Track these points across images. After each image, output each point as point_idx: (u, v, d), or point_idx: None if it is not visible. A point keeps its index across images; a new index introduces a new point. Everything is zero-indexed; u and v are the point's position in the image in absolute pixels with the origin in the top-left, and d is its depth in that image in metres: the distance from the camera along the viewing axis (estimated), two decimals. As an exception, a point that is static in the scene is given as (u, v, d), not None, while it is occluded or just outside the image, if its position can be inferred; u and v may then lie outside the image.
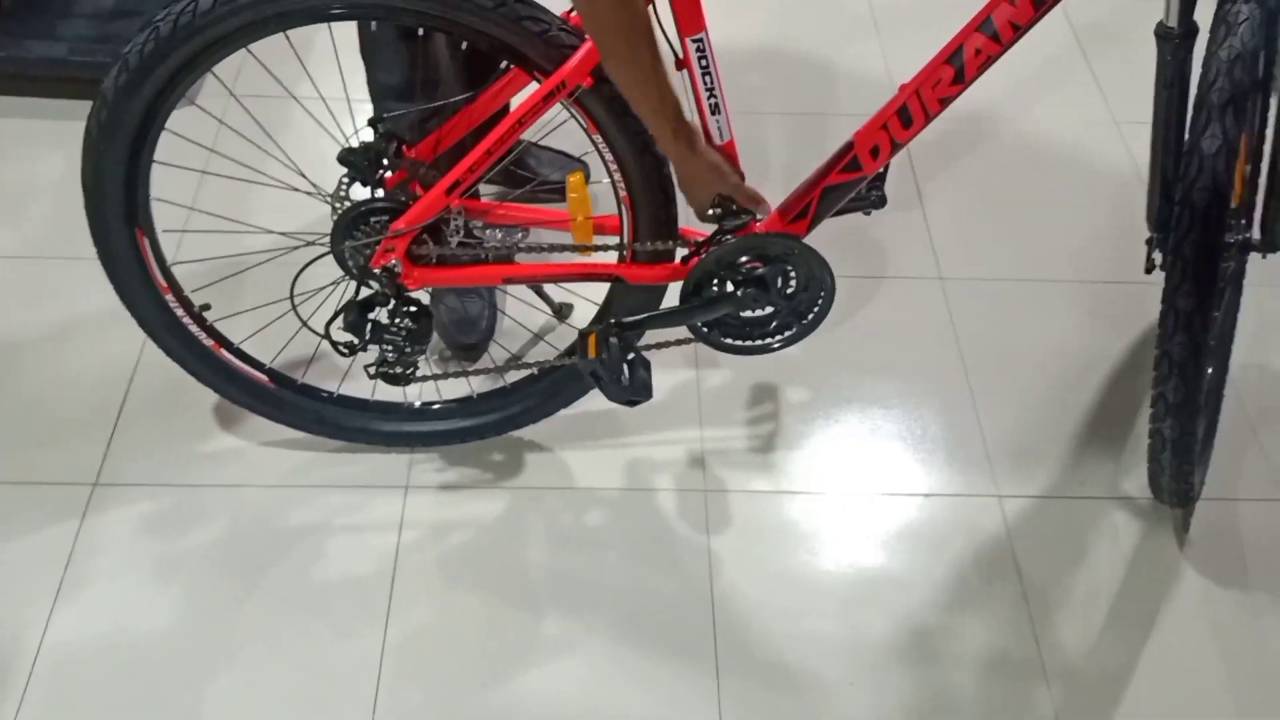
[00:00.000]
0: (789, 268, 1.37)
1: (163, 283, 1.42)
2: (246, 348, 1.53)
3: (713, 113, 1.27)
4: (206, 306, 1.47)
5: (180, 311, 1.44)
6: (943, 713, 1.36)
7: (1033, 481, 1.59)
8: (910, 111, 1.25)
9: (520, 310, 1.70)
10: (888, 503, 1.57)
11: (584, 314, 1.50)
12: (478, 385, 1.58)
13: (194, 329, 1.46)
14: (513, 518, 1.54)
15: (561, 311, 1.72)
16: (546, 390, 1.55)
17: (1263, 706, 1.37)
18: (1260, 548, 1.53)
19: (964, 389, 1.71)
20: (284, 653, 1.38)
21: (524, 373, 1.55)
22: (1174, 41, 1.27)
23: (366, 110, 1.49)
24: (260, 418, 1.57)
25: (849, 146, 1.30)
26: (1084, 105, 2.17)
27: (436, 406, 1.57)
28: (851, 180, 1.30)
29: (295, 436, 1.59)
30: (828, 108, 2.14)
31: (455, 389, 1.58)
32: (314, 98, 1.45)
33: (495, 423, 1.57)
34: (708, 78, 1.25)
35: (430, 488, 1.57)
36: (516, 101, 1.34)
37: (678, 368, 1.67)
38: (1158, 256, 1.43)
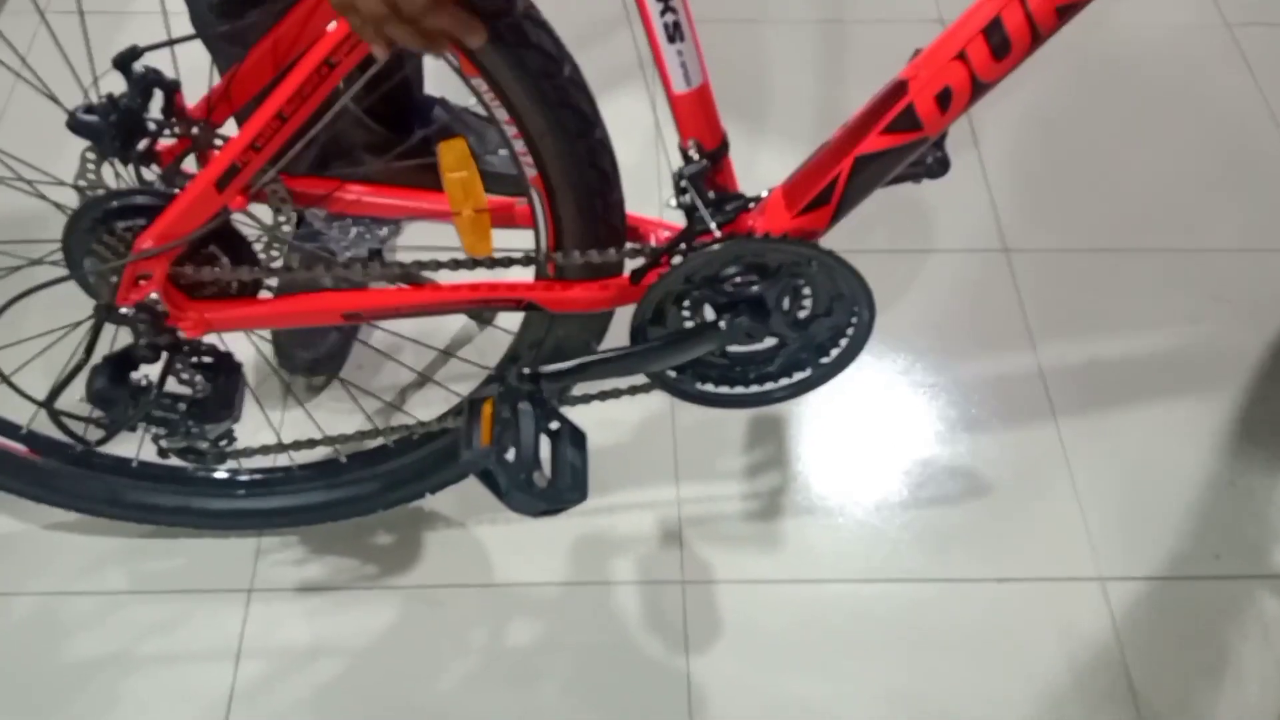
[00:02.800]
0: (801, 283, 0.87)
1: None
2: (-9, 405, 1.04)
3: (670, 40, 0.75)
4: (-93, 353, 0.97)
5: None
6: None
7: (1148, 556, 1.15)
8: (1006, 30, 0.74)
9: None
10: (940, 592, 1.12)
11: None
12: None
13: (-106, 387, 0.96)
14: (404, 634, 1.08)
15: (483, 314, 1.25)
16: (447, 449, 1.06)
17: None
18: None
19: (1046, 414, 1.25)
20: None
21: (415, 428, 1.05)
22: None
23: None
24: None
25: (899, 89, 0.78)
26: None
27: (294, 472, 1.09)
28: (902, 146, 0.79)
29: (88, 519, 1.11)
30: (862, 11, 1.61)
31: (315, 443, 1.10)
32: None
33: (373, 494, 1.09)
34: (661, -20, 0.73)
35: (284, 590, 1.10)
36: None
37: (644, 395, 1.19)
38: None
